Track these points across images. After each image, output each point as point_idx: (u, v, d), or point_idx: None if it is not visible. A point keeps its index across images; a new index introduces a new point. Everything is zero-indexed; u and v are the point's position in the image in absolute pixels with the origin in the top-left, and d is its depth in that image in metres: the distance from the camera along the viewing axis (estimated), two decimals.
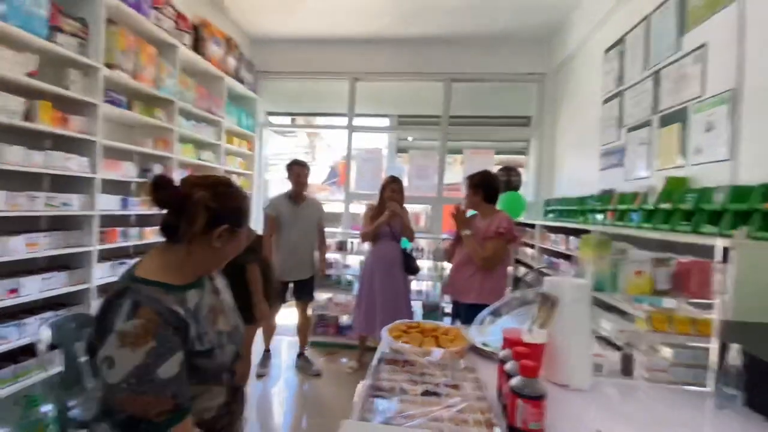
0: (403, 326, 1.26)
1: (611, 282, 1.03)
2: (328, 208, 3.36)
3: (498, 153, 5.12)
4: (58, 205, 2.15)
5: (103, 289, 2.50)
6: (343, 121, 4.48)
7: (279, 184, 6.70)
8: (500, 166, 3.88)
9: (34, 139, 2.12)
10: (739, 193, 1.60)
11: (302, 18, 3.88)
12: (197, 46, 3.34)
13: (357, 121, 4.47)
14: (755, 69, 1.71)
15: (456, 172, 4.74)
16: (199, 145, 3.49)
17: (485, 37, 4.09)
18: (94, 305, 2.39)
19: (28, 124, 1.97)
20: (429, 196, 4.32)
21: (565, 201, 3.39)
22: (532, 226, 3.41)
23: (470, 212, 2.51)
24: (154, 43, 2.82)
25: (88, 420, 1.62)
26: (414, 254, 3.20)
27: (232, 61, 3.77)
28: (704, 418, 0.87)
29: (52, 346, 1.82)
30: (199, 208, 0.82)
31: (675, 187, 2.05)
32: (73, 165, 2.20)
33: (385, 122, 4.86)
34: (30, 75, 1.97)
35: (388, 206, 2.85)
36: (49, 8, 2.06)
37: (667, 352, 1.02)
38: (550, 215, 3.69)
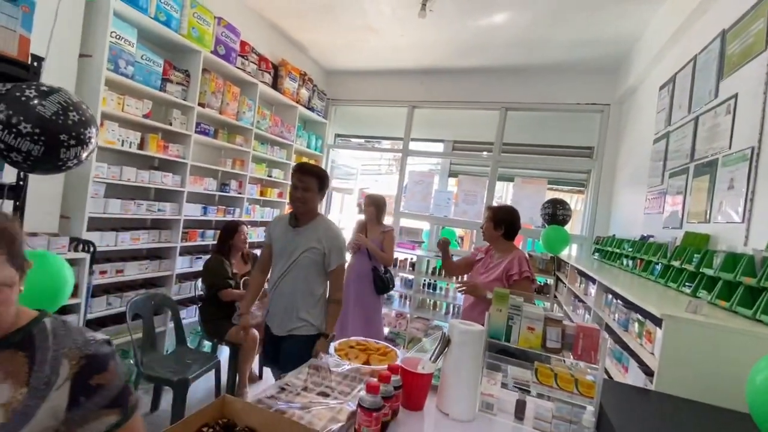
0: (353, 342, 1.52)
1: (506, 333, 1.17)
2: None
3: (554, 183, 4.93)
4: (156, 211, 2.87)
5: (182, 275, 3.22)
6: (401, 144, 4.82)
7: (349, 197, 7.18)
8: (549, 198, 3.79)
9: (143, 162, 2.87)
10: (733, 261, 1.50)
11: (368, 54, 4.34)
12: (275, 82, 4.00)
13: (413, 145, 4.78)
14: None
15: (506, 201, 4.71)
16: (271, 164, 4.14)
17: (543, 68, 4.06)
18: (175, 288, 3.10)
19: (140, 151, 2.71)
20: (474, 221, 4.40)
21: (608, 241, 3.22)
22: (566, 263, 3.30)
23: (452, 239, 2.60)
24: (238, 83, 3.51)
25: (156, 375, 2.23)
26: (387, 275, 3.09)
27: (305, 93, 4.39)
28: None
29: (136, 316, 2.51)
30: None
31: (692, 243, 1.92)
32: (168, 181, 2.92)
33: (439, 147, 5.06)
34: (145, 116, 2.71)
35: (357, 239, 3.05)
36: (163, 65, 2.80)
37: (551, 404, 1.12)
38: (596, 254, 3.50)
